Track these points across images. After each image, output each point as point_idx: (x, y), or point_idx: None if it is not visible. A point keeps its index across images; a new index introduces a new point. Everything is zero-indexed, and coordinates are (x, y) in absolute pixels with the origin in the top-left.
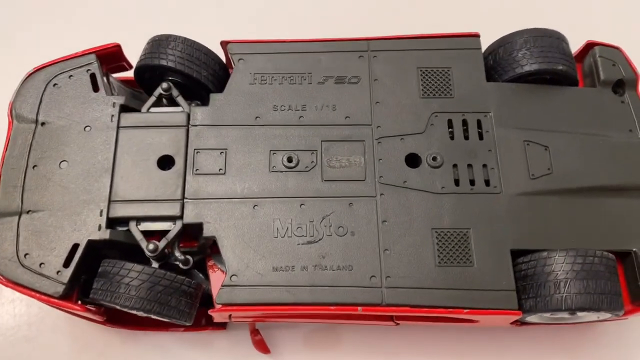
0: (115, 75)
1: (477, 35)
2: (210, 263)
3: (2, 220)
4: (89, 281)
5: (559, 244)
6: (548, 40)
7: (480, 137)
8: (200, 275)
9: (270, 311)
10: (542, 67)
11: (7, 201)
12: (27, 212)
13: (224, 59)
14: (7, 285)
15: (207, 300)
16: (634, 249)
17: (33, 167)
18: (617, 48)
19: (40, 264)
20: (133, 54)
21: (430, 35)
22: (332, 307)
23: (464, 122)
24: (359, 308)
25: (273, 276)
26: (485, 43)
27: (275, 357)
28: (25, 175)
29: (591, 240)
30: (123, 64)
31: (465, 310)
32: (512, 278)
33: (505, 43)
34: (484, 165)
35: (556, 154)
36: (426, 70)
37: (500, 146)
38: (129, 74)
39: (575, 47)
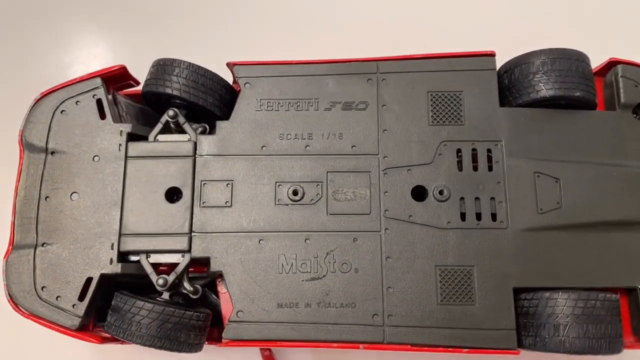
0: (126, 90)
1: (492, 55)
2: (220, 286)
3: (20, 252)
4: (106, 305)
5: (564, 282)
6: (566, 63)
7: (490, 168)
8: (213, 295)
9: (275, 346)
10: (559, 93)
11: (23, 233)
12: (42, 244)
13: (230, 80)
14: (27, 317)
15: (219, 319)
16: (639, 286)
17: (45, 198)
18: None
19: (57, 297)
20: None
21: (442, 55)
22: (334, 345)
23: (474, 152)
24: (361, 346)
25: (278, 313)
26: (506, 57)
27: None
28: (38, 207)
29: (597, 277)
30: (131, 82)
31: (465, 350)
32: (512, 317)
33: (522, 63)
34: (492, 199)
35: (567, 186)
36: (437, 95)
37: (510, 178)
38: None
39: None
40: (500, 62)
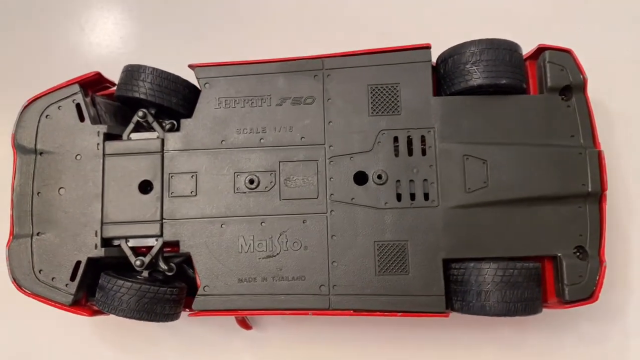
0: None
1: (428, 47)
2: None
3: (19, 241)
4: (96, 283)
5: (490, 252)
6: (494, 53)
7: (424, 152)
8: (190, 270)
9: (237, 315)
10: (486, 82)
11: (21, 224)
12: (37, 234)
13: (194, 81)
14: (28, 296)
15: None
16: (559, 254)
17: (37, 193)
18: (567, 51)
19: (52, 278)
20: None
21: (382, 50)
22: (287, 312)
23: (409, 139)
24: (310, 313)
25: (238, 287)
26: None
27: (259, 332)
28: (32, 201)
29: (521, 247)
30: (107, 85)
31: (399, 314)
32: (442, 285)
33: (454, 54)
34: (425, 180)
35: (493, 167)
36: (376, 88)
37: (441, 161)
38: None
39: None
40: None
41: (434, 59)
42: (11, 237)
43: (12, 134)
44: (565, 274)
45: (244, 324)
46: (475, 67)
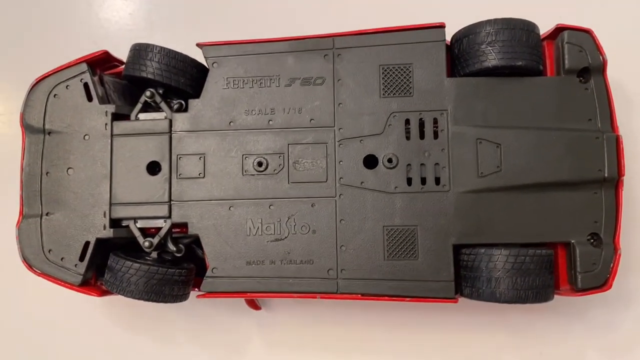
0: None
1: (442, 26)
2: None
3: (28, 221)
4: (104, 263)
5: (502, 238)
6: (510, 33)
7: (436, 135)
8: (199, 250)
9: (245, 297)
10: (501, 63)
11: (30, 204)
12: (46, 214)
13: (202, 60)
14: (38, 275)
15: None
16: (573, 241)
17: (46, 173)
18: (587, 31)
19: (62, 258)
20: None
21: (394, 29)
22: (295, 295)
23: (421, 121)
24: (318, 296)
25: (247, 269)
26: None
27: (267, 312)
28: (41, 181)
29: (533, 233)
30: (116, 63)
31: (408, 299)
32: (451, 270)
33: (469, 33)
34: (436, 164)
35: (507, 151)
36: (388, 68)
37: (453, 145)
38: None
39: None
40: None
41: (448, 39)
42: (21, 217)
43: (20, 114)
44: (579, 261)
45: (253, 305)
46: (490, 48)
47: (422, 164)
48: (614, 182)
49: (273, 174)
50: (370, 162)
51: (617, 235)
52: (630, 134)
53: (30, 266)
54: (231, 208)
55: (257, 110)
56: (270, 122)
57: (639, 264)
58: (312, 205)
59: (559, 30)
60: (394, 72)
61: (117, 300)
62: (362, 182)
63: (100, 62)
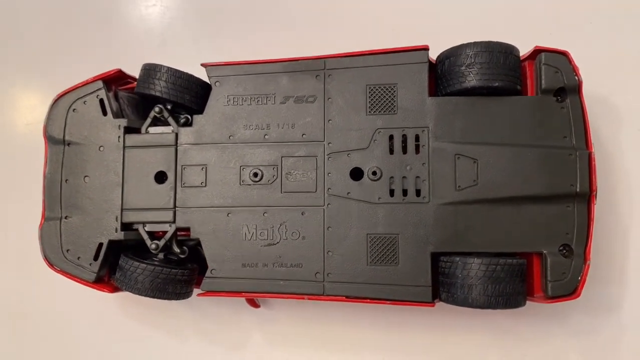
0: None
1: (425, 49)
2: None
3: (50, 223)
4: (117, 262)
5: (477, 248)
6: (488, 56)
7: (417, 150)
8: (203, 252)
9: (240, 297)
10: (479, 84)
11: (51, 208)
12: (65, 217)
13: (206, 78)
14: (57, 272)
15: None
16: (545, 251)
17: (65, 180)
18: (563, 53)
19: (78, 257)
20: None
21: (381, 51)
22: (285, 296)
23: (404, 137)
24: (306, 297)
25: (242, 271)
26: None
27: (266, 310)
28: (61, 187)
29: (507, 243)
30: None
31: (388, 302)
32: (429, 276)
33: (451, 55)
34: (417, 177)
35: (483, 166)
36: (374, 87)
37: (433, 159)
38: None
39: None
40: None
41: (434, 57)
42: (43, 219)
43: (43, 126)
44: (549, 270)
45: (253, 303)
46: (469, 70)
47: (404, 177)
48: (586, 197)
49: (267, 184)
50: (356, 174)
51: (588, 246)
52: (618, 148)
53: (50, 264)
54: (229, 215)
55: (255, 125)
56: (266, 137)
57: (619, 273)
58: (302, 214)
59: (537, 52)
60: (379, 92)
61: (129, 295)
62: (348, 193)
63: (116, 79)
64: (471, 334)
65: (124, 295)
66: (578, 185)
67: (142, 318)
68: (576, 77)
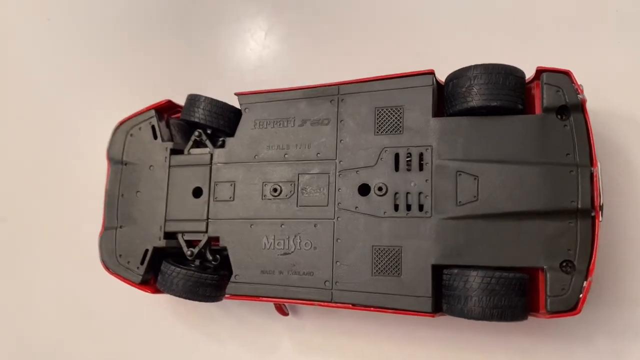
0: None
1: (431, 73)
2: None
3: (108, 232)
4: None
5: (477, 261)
6: (488, 77)
7: (421, 168)
8: None
9: (259, 301)
10: (479, 104)
11: (110, 219)
12: (120, 227)
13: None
14: (111, 274)
15: None
16: (545, 266)
17: (122, 195)
18: (566, 72)
19: (128, 262)
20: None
21: (389, 76)
22: (297, 302)
23: (409, 155)
24: (316, 303)
25: (261, 277)
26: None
27: (295, 318)
28: (118, 201)
29: (506, 258)
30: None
31: (391, 310)
32: (429, 288)
33: (455, 77)
34: (420, 193)
35: (484, 183)
36: (382, 110)
37: (436, 177)
38: None
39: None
40: None
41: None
42: (103, 229)
43: (106, 149)
44: (549, 285)
45: (281, 311)
46: (469, 91)
47: (408, 193)
48: (589, 213)
49: (285, 199)
50: (364, 190)
51: (592, 263)
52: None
53: (107, 267)
54: (252, 226)
55: (276, 146)
56: (286, 156)
57: None
58: (314, 226)
59: (538, 73)
60: (387, 113)
61: (179, 302)
62: (356, 207)
63: (167, 108)
64: (488, 352)
65: (175, 301)
66: (579, 202)
67: (181, 317)
68: (579, 96)
